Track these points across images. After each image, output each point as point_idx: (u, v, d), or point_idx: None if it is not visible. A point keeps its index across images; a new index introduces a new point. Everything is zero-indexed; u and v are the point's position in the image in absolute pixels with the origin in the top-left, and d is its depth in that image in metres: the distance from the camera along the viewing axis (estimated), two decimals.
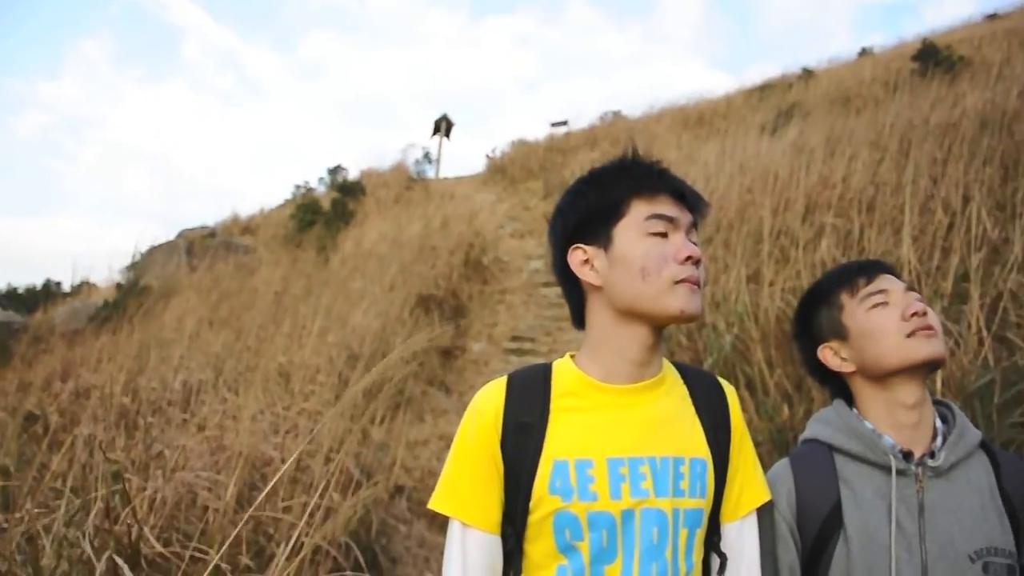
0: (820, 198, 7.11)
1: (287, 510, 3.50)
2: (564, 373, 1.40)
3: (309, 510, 2.92)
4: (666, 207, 1.35)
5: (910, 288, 1.53)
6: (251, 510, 2.39)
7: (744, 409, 4.32)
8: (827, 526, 1.45)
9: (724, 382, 1.49)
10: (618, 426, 1.33)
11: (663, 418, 1.36)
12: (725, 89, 20.08)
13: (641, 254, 1.31)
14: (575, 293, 1.44)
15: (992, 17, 18.59)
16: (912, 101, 9.87)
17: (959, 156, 6.89)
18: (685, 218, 1.36)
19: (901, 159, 7.41)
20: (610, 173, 1.41)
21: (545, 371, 1.42)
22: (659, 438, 1.33)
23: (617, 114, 21.66)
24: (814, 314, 1.63)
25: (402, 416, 6.07)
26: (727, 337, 5.10)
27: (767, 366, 4.65)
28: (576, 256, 1.39)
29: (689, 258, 1.31)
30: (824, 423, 1.57)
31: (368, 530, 4.51)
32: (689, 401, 1.42)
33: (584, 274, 1.38)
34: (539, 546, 1.31)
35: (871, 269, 1.57)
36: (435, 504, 1.36)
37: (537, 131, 27.84)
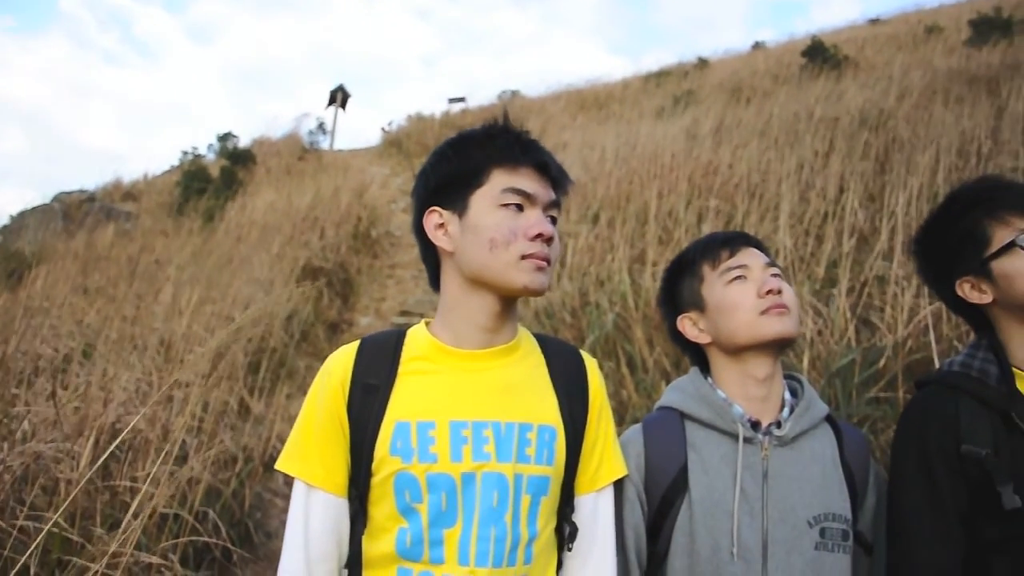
0: (706, 183, 7.30)
1: (150, 480, 3.36)
2: (416, 338, 1.39)
3: (164, 478, 2.80)
4: (526, 181, 1.33)
5: (771, 264, 1.55)
6: (89, 473, 2.26)
7: (623, 386, 4.43)
8: (672, 489, 1.47)
9: (587, 355, 1.49)
10: (464, 390, 1.32)
11: (512, 384, 1.35)
12: (623, 74, 20.46)
13: (492, 225, 1.30)
14: (431, 255, 1.43)
15: (875, 21, 19.51)
16: (799, 95, 10.25)
17: (839, 149, 7.20)
18: (545, 194, 1.35)
19: (785, 149, 7.68)
20: (475, 139, 1.39)
21: (399, 335, 1.41)
22: (506, 404, 1.33)
23: (515, 93, 21.75)
24: (678, 283, 1.65)
25: (282, 389, 5.93)
26: (609, 315, 5.17)
27: (647, 344, 4.74)
28: (431, 219, 1.37)
29: (540, 235, 1.30)
30: (678, 391, 1.60)
31: (242, 504, 4.39)
32: (545, 370, 1.42)
33: (437, 238, 1.37)
34: (382, 508, 1.29)
35: (735, 242, 1.59)
36: (281, 464, 1.35)
37: (434, 106, 27.64)
